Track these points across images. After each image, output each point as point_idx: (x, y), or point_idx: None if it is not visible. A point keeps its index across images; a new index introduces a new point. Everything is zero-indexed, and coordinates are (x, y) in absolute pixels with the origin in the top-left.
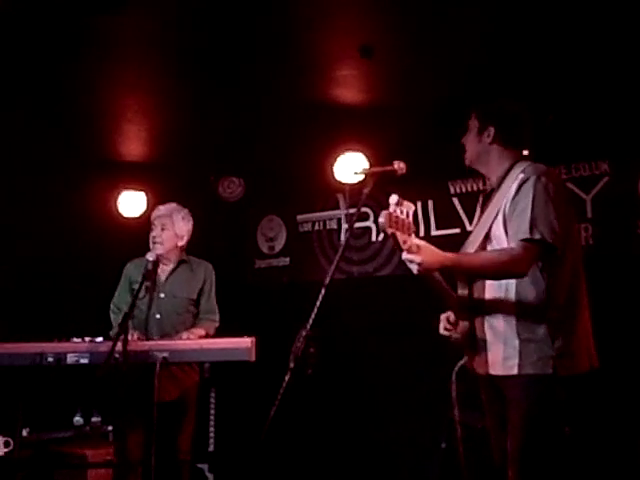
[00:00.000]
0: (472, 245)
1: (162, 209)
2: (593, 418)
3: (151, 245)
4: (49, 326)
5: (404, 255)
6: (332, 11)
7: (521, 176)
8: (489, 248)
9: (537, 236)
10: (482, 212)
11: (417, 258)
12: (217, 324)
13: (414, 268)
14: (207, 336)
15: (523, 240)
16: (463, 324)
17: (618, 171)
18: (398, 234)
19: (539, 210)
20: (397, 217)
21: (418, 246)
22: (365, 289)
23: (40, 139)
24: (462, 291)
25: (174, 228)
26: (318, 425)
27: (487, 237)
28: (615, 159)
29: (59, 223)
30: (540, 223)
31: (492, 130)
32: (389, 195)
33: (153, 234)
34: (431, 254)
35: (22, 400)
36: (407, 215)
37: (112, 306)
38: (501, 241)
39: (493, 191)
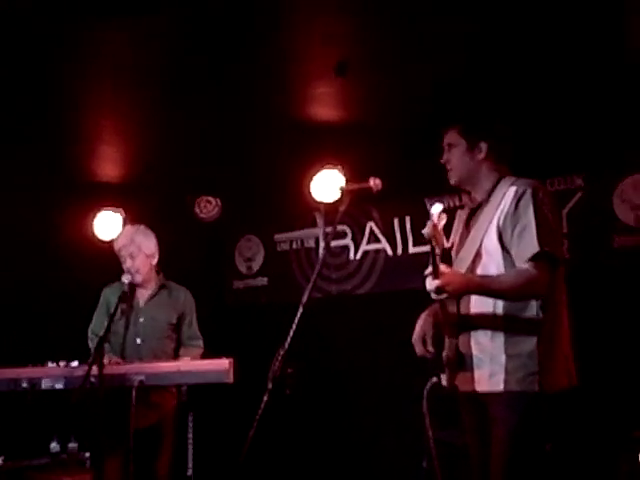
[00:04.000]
0: (464, 262)
1: (121, 239)
2: (573, 435)
3: (127, 277)
4: (25, 351)
5: (434, 283)
6: (307, 29)
7: (513, 189)
8: (480, 263)
9: (547, 249)
10: (467, 228)
11: (445, 283)
12: (202, 350)
13: (439, 295)
14: None
15: (534, 258)
16: (450, 341)
17: (592, 186)
18: (437, 249)
19: (543, 225)
20: (437, 229)
21: (443, 271)
22: (344, 307)
23: (13, 160)
24: (451, 307)
25: (142, 251)
26: (298, 446)
27: (477, 253)
28: (589, 174)
29: (34, 245)
30: (547, 238)
31: (484, 146)
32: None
33: (126, 266)
34: (458, 279)
35: None
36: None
37: (90, 333)
38: (493, 255)
39: (480, 206)
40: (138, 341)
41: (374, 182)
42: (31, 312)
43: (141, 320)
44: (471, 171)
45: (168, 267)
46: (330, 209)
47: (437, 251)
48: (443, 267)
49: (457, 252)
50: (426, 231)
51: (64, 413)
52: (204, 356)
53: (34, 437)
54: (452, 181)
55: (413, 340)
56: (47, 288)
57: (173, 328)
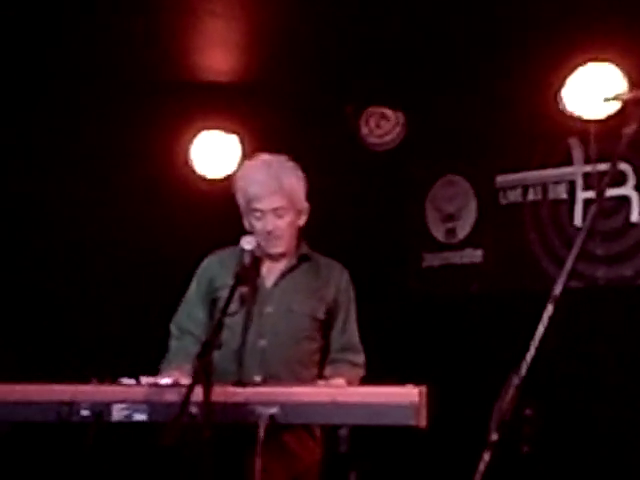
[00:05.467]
0: None
1: (259, 176)
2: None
3: (252, 242)
4: (80, 357)
5: None
6: None
7: None
8: None
9: None
10: None
11: None
12: (362, 371)
13: None
14: None
15: None
16: None
17: None
18: None
19: None
20: None
21: None
22: (619, 306)
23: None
24: None
25: (293, 204)
26: None
27: None
28: None
29: (96, 189)
30: None
31: None
32: None
33: (268, 227)
34: None
35: None
36: None
37: (172, 328)
38: None
39: None
40: (261, 344)
41: None
42: (88, 296)
43: (268, 310)
44: None
45: (310, 229)
46: (599, 133)
47: None
48: None
49: None
50: None
51: (148, 461)
52: (372, 378)
53: None
54: None
55: None
56: (112, 258)
57: (319, 326)
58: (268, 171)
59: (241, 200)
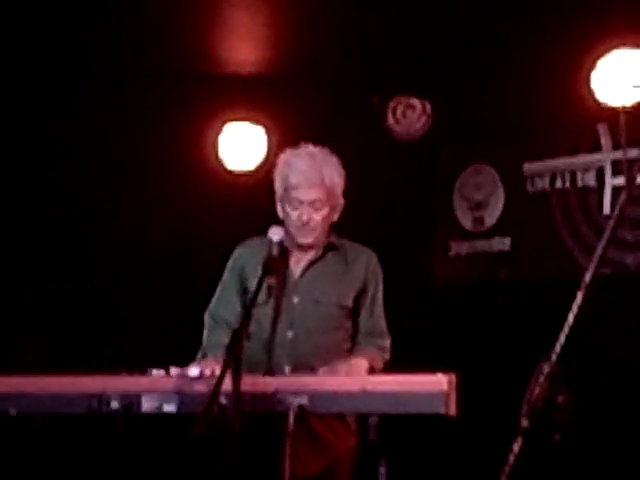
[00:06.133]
0: None
1: (306, 167)
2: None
3: (279, 233)
4: (109, 347)
5: None
6: None
7: None
8: None
9: None
10: None
11: None
12: (388, 355)
13: None
14: (372, 373)
15: None
16: None
17: None
18: None
19: None
20: None
21: None
22: None
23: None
24: None
25: (330, 198)
26: None
27: None
28: None
29: (124, 183)
30: None
31: None
32: None
33: (303, 218)
34: None
35: (71, 473)
36: None
37: (207, 318)
38: None
39: None
40: (290, 335)
41: None
42: (116, 288)
43: (295, 301)
44: None
45: (338, 219)
46: (628, 119)
47: None
48: None
49: None
50: None
51: (178, 452)
52: (400, 366)
53: None
54: None
55: None
56: (141, 249)
57: (347, 314)
58: (311, 162)
59: (279, 187)
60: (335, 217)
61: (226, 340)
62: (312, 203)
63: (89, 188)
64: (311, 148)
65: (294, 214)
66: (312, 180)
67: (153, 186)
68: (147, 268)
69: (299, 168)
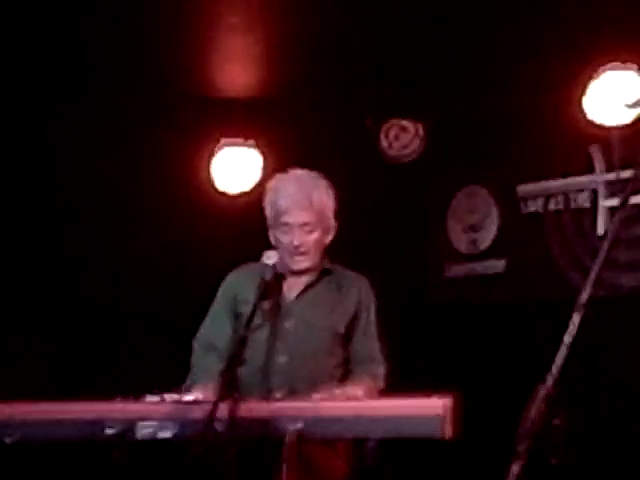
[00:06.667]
0: None
1: (294, 190)
2: None
3: (274, 257)
4: (104, 375)
5: None
6: None
7: None
8: None
9: None
10: None
11: None
12: (382, 383)
13: None
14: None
15: None
16: None
17: None
18: None
19: None
20: None
21: None
22: None
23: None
24: None
25: (322, 221)
26: None
27: None
28: None
29: (116, 205)
30: None
31: None
32: None
33: (295, 242)
34: None
35: None
36: None
37: (195, 345)
38: None
39: None
40: (282, 359)
41: None
42: (112, 314)
43: (287, 326)
44: None
45: (332, 242)
46: (621, 140)
47: None
48: None
49: None
50: None
51: (174, 479)
52: (396, 389)
53: None
54: None
55: None
56: (128, 271)
57: (340, 341)
58: (300, 185)
59: (269, 212)
60: (328, 240)
61: (216, 366)
62: (302, 226)
63: (80, 209)
64: (299, 172)
65: (285, 239)
66: (301, 203)
67: (147, 208)
68: (141, 292)
69: (287, 192)
